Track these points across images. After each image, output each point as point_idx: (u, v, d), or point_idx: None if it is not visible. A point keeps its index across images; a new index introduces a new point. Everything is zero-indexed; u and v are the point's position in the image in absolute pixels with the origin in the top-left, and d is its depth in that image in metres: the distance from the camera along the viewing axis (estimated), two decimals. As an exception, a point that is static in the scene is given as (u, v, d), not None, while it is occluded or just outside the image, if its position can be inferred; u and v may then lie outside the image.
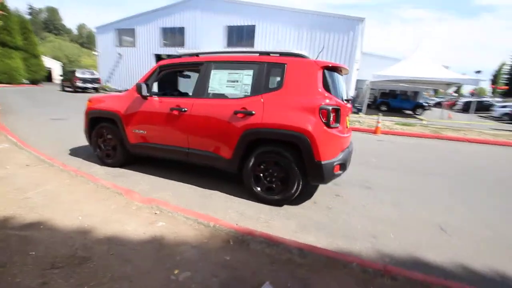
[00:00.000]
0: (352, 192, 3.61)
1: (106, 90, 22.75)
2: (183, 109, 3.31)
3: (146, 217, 2.47)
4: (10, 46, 22.33)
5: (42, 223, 2.23)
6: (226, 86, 3.25)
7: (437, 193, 3.80)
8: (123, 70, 24.55)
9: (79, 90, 19.52)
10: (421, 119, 12.13)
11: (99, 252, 1.92)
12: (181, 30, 21.73)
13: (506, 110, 20.72)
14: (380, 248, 2.32)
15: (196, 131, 3.28)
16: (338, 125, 2.92)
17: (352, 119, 9.90)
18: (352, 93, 18.89)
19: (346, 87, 3.56)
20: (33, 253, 1.84)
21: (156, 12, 22.03)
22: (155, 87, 3.82)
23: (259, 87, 3.03)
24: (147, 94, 3.55)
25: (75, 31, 73.27)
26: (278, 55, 3.15)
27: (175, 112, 3.36)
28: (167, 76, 3.96)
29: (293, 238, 2.30)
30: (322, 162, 2.76)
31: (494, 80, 44.42)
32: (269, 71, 3.04)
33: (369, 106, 19.01)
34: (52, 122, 7.51)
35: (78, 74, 19.04)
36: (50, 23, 65.43)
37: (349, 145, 3.45)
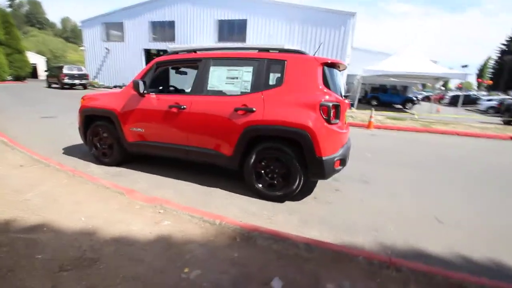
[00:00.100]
0: (350, 187, 3.68)
1: (95, 87, 22.25)
2: (182, 107, 3.28)
3: (151, 217, 2.46)
4: (-9, 41, 21.48)
5: (45, 225, 2.20)
6: (226, 83, 3.24)
7: (431, 186, 3.92)
8: (112, 66, 24.00)
9: (67, 86, 19.00)
10: (413, 113, 12.36)
11: (107, 253, 1.91)
12: (171, 24, 21.33)
13: (492, 103, 21.37)
14: (382, 241, 2.39)
15: (196, 128, 3.26)
16: (338, 121, 2.96)
17: (345, 113, 9.99)
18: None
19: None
20: (40, 256, 1.81)
21: (145, 5, 21.52)
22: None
23: (259, 84, 3.03)
24: (145, 92, 3.50)
25: (59, 25, 70.83)
26: (277, 51, 3.15)
27: (174, 110, 3.33)
28: (160, 72, 3.90)
29: (297, 233, 2.34)
30: (323, 158, 2.80)
31: (480, 74, 45.60)
32: (269, 67, 3.05)
33: (359, 100, 19.24)
34: (42, 121, 7.31)
35: (65, 70, 18.50)
36: (33, 16, 62.98)
37: (348, 140, 3.51)
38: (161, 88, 4.10)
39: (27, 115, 8.07)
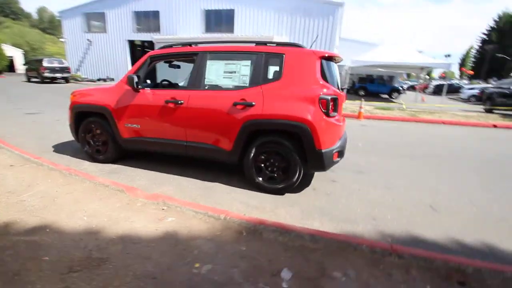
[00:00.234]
0: (346, 177, 3.77)
1: (77, 80, 21.46)
2: (179, 102, 3.23)
3: (154, 213, 2.46)
4: (-38, 33, 20.20)
5: (47, 226, 2.16)
6: (223, 77, 3.21)
7: (423, 174, 4.07)
8: (94, 58, 23.15)
9: (47, 80, 18.27)
10: (401, 103, 12.63)
11: (115, 252, 1.90)
12: (155, 14, 20.68)
13: (473, 92, 22.09)
14: (381, 229, 2.49)
15: (194, 123, 3.23)
16: (336, 114, 3.01)
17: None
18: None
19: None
20: (47, 258, 1.79)
21: (128, -6, 20.74)
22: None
23: (257, 78, 3.03)
24: (139, 87, 3.42)
25: (35, 15, 67.27)
26: (275, 45, 3.14)
27: (171, 105, 3.28)
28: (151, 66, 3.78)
29: (300, 225, 2.40)
30: (323, 151, 2.85)
31: (462, 64, 46.89)
32: (267, 61, 3.03)
33: (347, 91, 19.45)
34: (27, 117, 7.04)
35: (45, 63, 17.72)
36: (6, 6, 59.48)
37: (344, 132, 3.57)
38: (148, 81, 3.99)
39: (9, 111, 7.74)
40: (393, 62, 14.93)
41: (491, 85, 16.67)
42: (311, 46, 3.61)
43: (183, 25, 20.02)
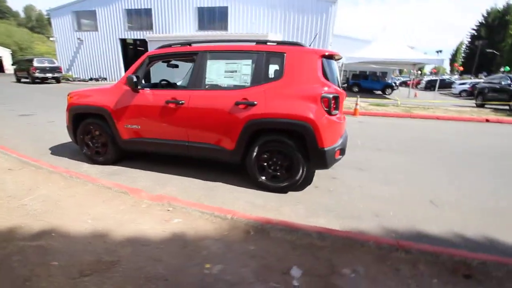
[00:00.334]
0: (347, 174, 3.81)
1: (69, 80, 21.11)
2: (180, 102, 3.22)
3: (160, 215, 2.45)
4: None
5: (52, 230, 2.13)
6: (224, 77, 3.21)
7: (421, 170, 4.14)
8: (86, 57, 22.80)
9: (38, 80, 17.92)
10: (396, 100, 12.76)
11: (124, 255, 1.89)
12: (147, 12, 20.45)
13: (464, 87, 22.49)
14: (385, 225, 2.53)
15: (195, 123, 3.22)
16: (337, 112, 3.03)
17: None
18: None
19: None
20: (56, 263, 1.77)
21: (119, -8, 20.43)
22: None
23: (259, 77, 3.03)
24: (139, 87, 3.39)
25: (22, 14, 65.65)
26: (275, 44, 3.14)
27: (172, 105, 3.26)
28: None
29: (306, 223, 2.42)
30: (325, 149, 2.88)
31: (453, 59, 47.58)
32: (268, 60, 3.04)
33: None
34: (20, 119, 6.91)
35: (36, 63, 17.36)
36: (-9, 4, 57.94)
37: (345, 130, 3.61)
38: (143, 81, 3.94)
39: (1, 113, 7.58)
40: (387, 59, 15.08)
41: (482, 81, 16.97)
42: (310, 45, 3.63)
43: (176, 23, 19.84)
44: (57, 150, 4.53)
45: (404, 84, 36.17)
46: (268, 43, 3.15)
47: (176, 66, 4.33)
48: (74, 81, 21.37)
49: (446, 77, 34.00)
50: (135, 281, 1.66)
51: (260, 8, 17.82)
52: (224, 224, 2.33)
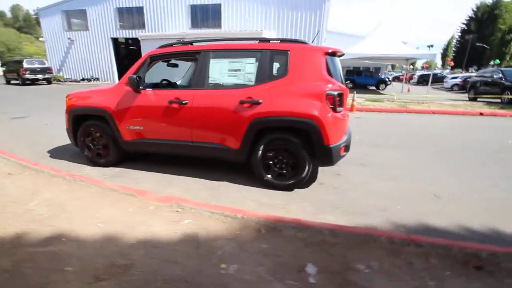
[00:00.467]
0: (350, 171, 3.85)
1: (60, 81, 20.71)
2: (183, 102, 3.19)
3: (169, 216, 2.43)
4: None
5: (62, 235, 2.10)
6: (228, 76, 3.19)
7: (421, 164, 4.20)
8: (77, 57, 22.36)
9: (28, 82, 17.53)
10: (392, 95, 12.87)
11: (138, 258, 1.88)
12: (139, 10, 20.13)
13: (456, 81, 22.82)
14: (393, 220, 2.56)
15: (200, 123, 3.20)
16: (342, 109, 3.05)
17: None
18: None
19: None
20: (70, 268, 1.75)
21: (109, -10, 20.04)
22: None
23: (263, 75, 3.02)
24: (141, 87, 3.35)
25: (9, 14, 64.01)
26: (279, 41, 3.14)
27: (175, 105, 3.23)
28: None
29: (314, 220, 2.43)
30: (331, 146, 2.89)
31: (444, 53, 48.20)
32: (272, 58, 3.03)
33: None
34: (14, 122, 6.77)
35: (26, 64, 16.96)
36: (-24, 4, 56.29)
37: (348, 127, 3.63)
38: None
39: (-7, 116, 7.40)
40: (380, 54, 15.20)
41: (474, 75, 17.24)
42: (312, 42, 3.63)
43: (168, 21, 19.60)
44: (56, 153, 4.46)
45: (397, 79, 36.53)
46: (271, 41, 3.13)
47: (176, 65, 4.28)
48: (65, 82, 20.97)
49: (437, 71, 34.43)
50: (153, 284, 1.65)
51: (253, 5, 17.72)
52: (235, 223, 2.33)
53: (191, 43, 3.43)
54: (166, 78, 4.40)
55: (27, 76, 16.98)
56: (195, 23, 19.35)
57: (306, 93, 2.88)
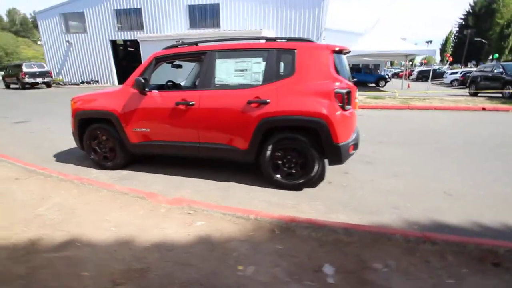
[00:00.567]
0: (357, 169, 3.84)
1: (60, 84, 20.68)
2: (190, 103, 3.18)
3: (181, 218, 2.42)
4: None
5: (75, 240, 2.09)
6: (235, 76, 3.18)
7: (427, 161, 4.19)
8: (76, 60, 22.35)
9: (28, 86, 17.51)
10: (395, 91, 12.86)
11: (154, 261, 1.87)
12: (137, 12, 20.11)
13: (455, 76, 22.82)
14: (405, 217, 2.55)
15: (207, 124, 3.19)
16: (350, 107, 3.04)
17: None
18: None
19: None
20: (87, 273, 1.74)
21: (107, -8, 20.00)
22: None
23: (270, 74, 3.01)
24: (147, 89, 3.34)
25: (5, 18, 63.77)
26: (285, 40, 3.12)
27: (182, 106, 3.22)
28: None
29: (326, 219, 2.43)
30: (340, 144, 2.88)
31: (443, 49, 48.15)
32: (279, 57, 3.02)
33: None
34: (16, 126, 6.75)
35: (25, 68, 16.97)
36: (-28, 9, 56.06)
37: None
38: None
39: (-4, 121, 7.38)
40: (379, 51, 15.17)
41: (474, 70, 17.23)
42: (318, 40, 3.60)
43: (167, 22, 19.57)
44: (61, 157, 4.45)
45: (396, 75, 36.52)
46: (278, 40, 3.12)
47: (180, 66, 4.27)
48: (65, 85, 20.95)
49: (436, 67, 34.45)
50: (170, 287, 1.64)
51: (252, 4, 17.69)
52: (248, 224, 2.32)
53: (196, 43, 3.42)
54: (168, 79, 4.39)
55: (27, 80, 16.96)
56: (193, 23, 19.33)
57: (314, 91, 2.87)
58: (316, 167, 3.00)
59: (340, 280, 1.74)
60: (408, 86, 20.11)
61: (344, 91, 2.84)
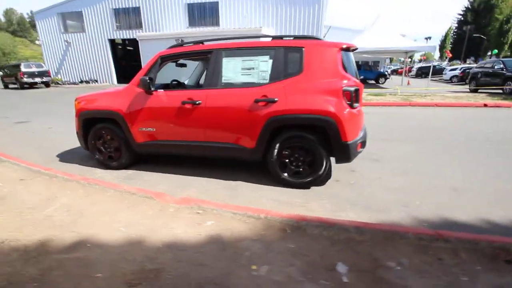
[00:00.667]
0: (364, 166, 3.83)
1: (58, 84, 20.59)
2: (197, 102, 3.16)
3: (191, 218, 2.41)
4: None
5: (86, 241, 2.08)
6: (242, 74, 3.15)
7: (430, 157, 4.19)
8: (74, 60, 22.23)
9: (27, 86, 17.41)
10: (396, 88, 12.83)
11: (167, 262, 1.86)
12: (136, 10, 19.99)
13: (455, 72, 22.81)
14: (415, 215, 2.55)
15: (214, 123, 3.17)
16: (358, 105, 3.02)
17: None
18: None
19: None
20: (100, 275, 1.73)
21: (105, -9, 19.86)
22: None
23: (277, 73, 2.99)
24: (153, 89, 3.32)
25: (2, 18, 63.34)
26: (292, 38, 3.10)
27: (188, 106, 3.20)
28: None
29: (335, 217, 2.42)
30: (348, 142, 2.87)
31: (442, 45, 48.11)
32: (287, 55, 2.99)
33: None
34: (17, 126, 6.72)
35: (24, 68, 16.86)
36: (-31, 9, 55.61)
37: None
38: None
39: (-3, 121, 7.34)
40: (379, 48, 15.12)
41: (474, 66, 17.22)
42: (324, 37, 3.58)
43: (166, 21, 19.46)
44: (64, 157, 4.42)
45: (395, 72, 36.51)
46: (285, 38, 3.10)
47: (185, 65, 4.24)
48: (64, 84, 20.85)
49: (435, 63, 34.41)
50: (185, 288, 1.64)
51: (251, 1, 17.60)
52: (258, 223, 2.31)
53: (202, 42, 3.39)
54: (171, 78, 4.37)
55: (25, 80, 16.87)
56: (192, 22, 19.23)
57: (322, 89, 2.86)
58: (324, 165, 2.99)
59: (355, 279, 1.73)
60: (408, 83, 20.12)
61: (352, 89, 2.83)
